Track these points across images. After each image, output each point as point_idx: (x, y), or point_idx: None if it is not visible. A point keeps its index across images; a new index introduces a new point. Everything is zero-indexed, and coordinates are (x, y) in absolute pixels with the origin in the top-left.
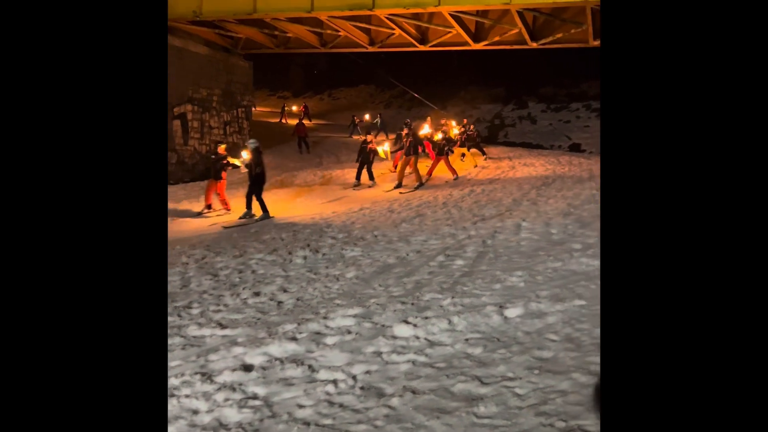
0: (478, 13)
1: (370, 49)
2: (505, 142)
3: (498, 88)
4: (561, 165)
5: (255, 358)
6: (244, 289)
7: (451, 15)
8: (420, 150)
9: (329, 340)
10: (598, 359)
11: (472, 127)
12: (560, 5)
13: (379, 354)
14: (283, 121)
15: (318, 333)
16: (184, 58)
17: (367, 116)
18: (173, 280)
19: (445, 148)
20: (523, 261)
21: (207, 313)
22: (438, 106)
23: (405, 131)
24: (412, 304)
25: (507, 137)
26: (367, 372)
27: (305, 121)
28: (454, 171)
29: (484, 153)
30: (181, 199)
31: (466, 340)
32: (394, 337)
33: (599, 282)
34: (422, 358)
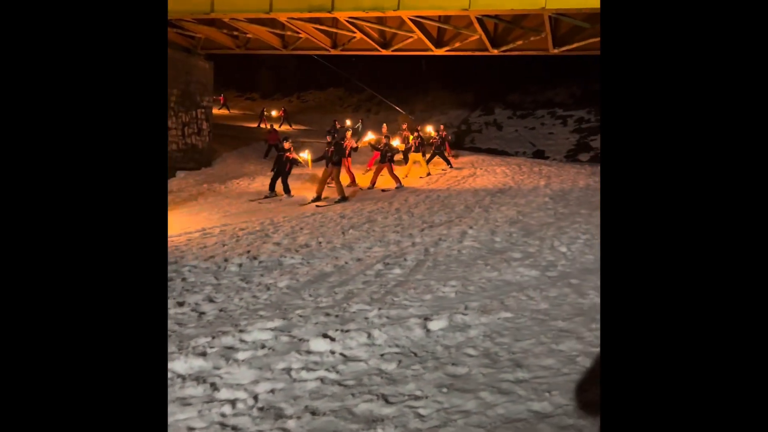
0: (440, 19)
1: (333, 52)
2: (471, 148)
3: (466, 94)
4: (521, 172)
5: None
6: (169, 298)
7: (411, 20)
8: (343, 160)
9: (240, 356)
10: (510, 377)
11: (443, 133)
12: (518, 12)
13: (288, 371)
14: (262, 125)
15: (230, 348)
16: None
17: (348, 121)
18: None
19: (388, 155)
20: (461, 270)
21: None
22: (406, 111)
23: (328, 138)
24: (337, 316)
25: (473, 143)
26: (271, 391)
27: (285, 126)
28: (397, 179)
29: (448, 162)
30: None
31: (383, 355)
32: (309, 352)
33: (529, 293)
34: (332, 375)
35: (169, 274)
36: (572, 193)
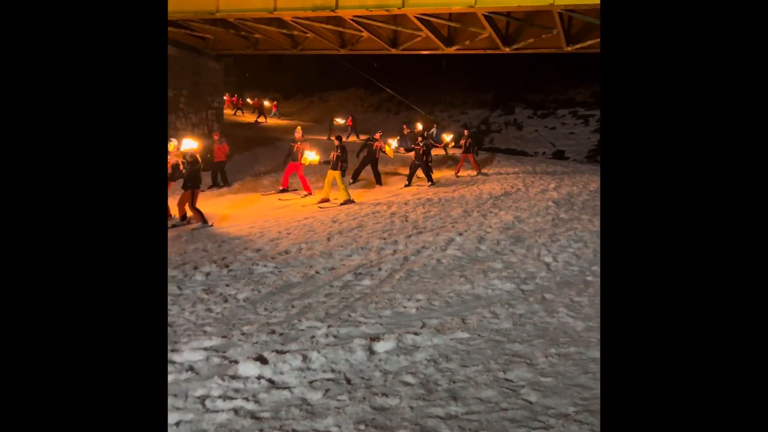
0: (450, 17)
1: (342, 51)
2: (490, 148)
3: (485, 93)
4: (533, 174)
5: None
6: None
7: (418, 18)
8: (340, 165)
9: None
10: (440, 411)
11: (419, 139)
12: (525, 9)
13: (204, 399)
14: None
15: None
16: None
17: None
18: None
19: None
20: (432, 282)
21: None
22: (425, 111)
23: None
24: (281, 334)
25: (492, 143)
26: (177, 423)
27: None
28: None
29: (430, 177)
30: None
31: (312, 382)
32: (234, 377)
33: (495, 310)
34: (250, 406)
35: None
36: (579, 197)
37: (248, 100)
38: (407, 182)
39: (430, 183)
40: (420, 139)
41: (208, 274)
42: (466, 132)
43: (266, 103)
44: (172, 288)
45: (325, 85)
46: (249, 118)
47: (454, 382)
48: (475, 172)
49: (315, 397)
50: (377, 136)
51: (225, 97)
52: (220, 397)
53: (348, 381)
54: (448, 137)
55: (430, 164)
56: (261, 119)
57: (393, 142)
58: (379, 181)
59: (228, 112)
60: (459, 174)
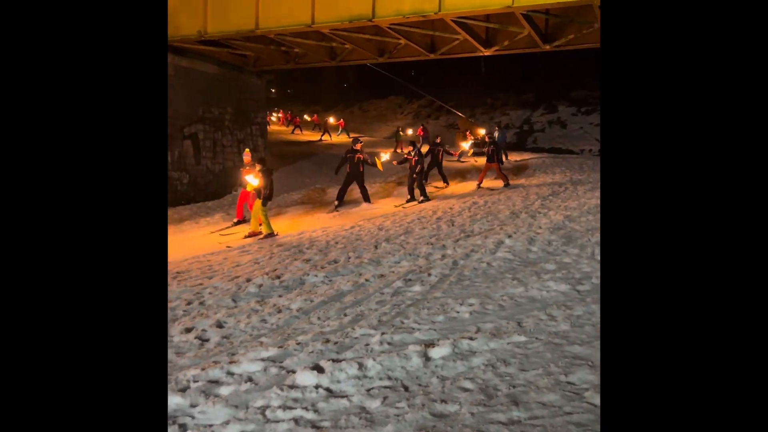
0: (488, 19)
1: (380, 60)
2: (533, 148)
3: (527, 93)
4: (580, 171)
5: None
6: (178, 324)
7: (455, 22)
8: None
9: (223, 391)
10: (502, 417)
11: (409, 148)
12: (564, 5)
13: (264, 409)
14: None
15: (215, 381)
16: (193, 78)
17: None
18: None
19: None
20: (484, 286)
21: None
22: (466, 114)
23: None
24: (336, 342)
25: (536, 143)
26: None
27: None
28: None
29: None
30: (185, 219)
31: (370, 390)
32: (292, 387)
33: (551, 312)
34: (309, 415)
35: (190, 297)
36: None
37: (306, 116)
38: (408, 197)
39: (421, 199)
40: (411, 148)
41: (260, 285)
42: (486, 137)
43: (331, 120)
44: (226, 301)
45: (365, 94)
46: (309, 136)
47: (514, 387)
48: (501, 183)
49: (373, 405)
50: (358, 146)
51: (280, 114)
52: (280, 407)
53: (405, 388)
54: (466, 144)
55: (424, 178)
56: (326, 137)
57: (384, 155)
58: (366, 199)
59: (280, 129)
60: (482, 185)
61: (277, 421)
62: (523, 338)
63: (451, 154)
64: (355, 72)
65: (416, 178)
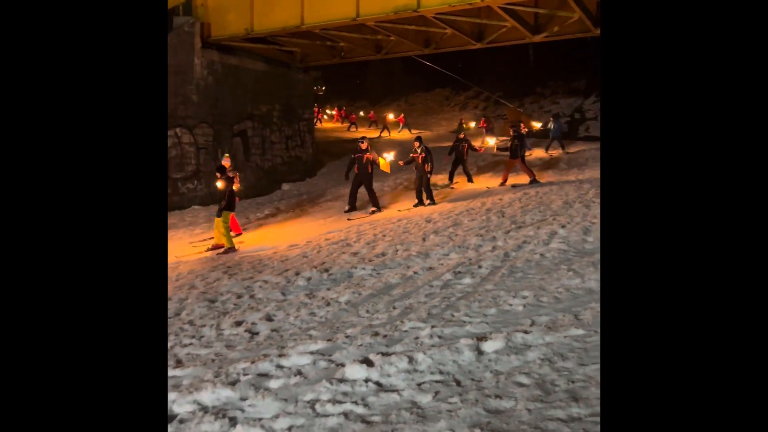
0: (537, 4)
1: (426, 51)
2: (586, 137)
3: (578, 81)
4: None
5: (182, 407)
6: (229, 317)
7: (502, 8)
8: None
9: (272, 384)
10: (561, 413)
11: (416, 144)
12: None
13: (314, 403)
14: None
15: (264, 375)
16: (241, 76)
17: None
18: (168, 308)
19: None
20: (538, 278)
21: (175, 348)
22: (514, 104)
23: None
24: (385, 336)
25: (588, 131)
26: (288, 429)
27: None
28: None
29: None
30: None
31: (421, 384)
32: (342, 381)
33: None
34: (359, 410)
35: (240, 291)
36: None
37: (361, 113)
38: (416, 200)
39: (428, 202)
40: (417, 144)
41: (309, 279)
42: (511, 130)
43: (390, 116)
44: (276, 294)
45: (410, 87)
46: (366, 133)
47: (573, 382)
48: (527, 180)
49: (425, 399)
50: (364, 145)
51: (334, 111)
52: (329, 401)
53: (458, 383)
54: (491, 140)
55: (429, 176)
56: (384, 134)
57: (389, 155)
58: (375, 203)
59: (334, 126)
60: (506, 183)
61: (327, 416)
62: (581, 331)
63: (476, 150)
64: (401, 65)
65: (424, 179)
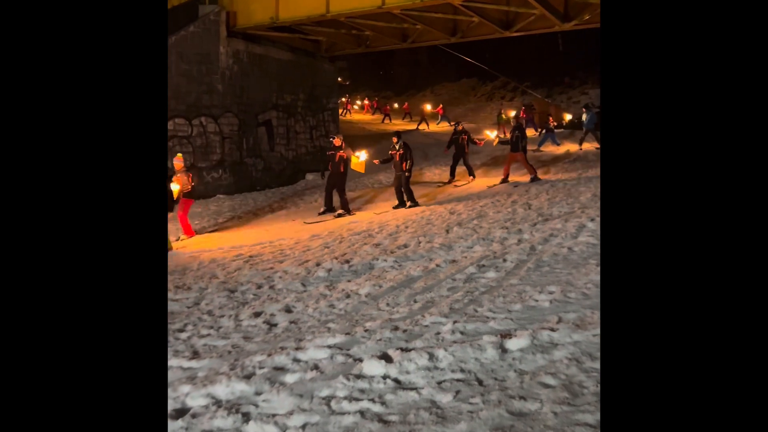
0: None
1: (453, 40)
2: None
3: None
4: None
5: (196, 400)
6: (248, 308)
7: None
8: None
9: (288, 378)
10: (590, 418)
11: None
12: None
13: (330, 400)
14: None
15: (280, 368)
16: (266, 65)
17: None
18: (187, 297)
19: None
20: (566, 272)
21: (193, 338)
22: (542, 95)
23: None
24: (405, 330)
25: None
26: (303, 426)
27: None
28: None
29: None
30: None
31: (441, 382)
32: (359, 377)
33: None
34: (376, 408)
35: (260, 281)
36: None
37: (395, 105)
38: (397, 202)
39: (409, 204)
40: (395, 140)
41: (329, 270)
42: (513, 120)
43: (428, 107)
44: (296, 285)
45: (436, 78)
46: (402, 125)
47: None
48: (528, 177)
49: (445, 399)
50: (338, 141)
51: (365, 102)
52: (345, 398)
53: (480, 382)
54: (492, 133)
55: (408, 175)
56: (422, 126)
57: (362, 153)
58: (345, 206)
59: (364, 118)
60: (509, 180)
61: (343, 413)
62: None
63: (476, 143)
64: (426, 55)
65: (403, 178)
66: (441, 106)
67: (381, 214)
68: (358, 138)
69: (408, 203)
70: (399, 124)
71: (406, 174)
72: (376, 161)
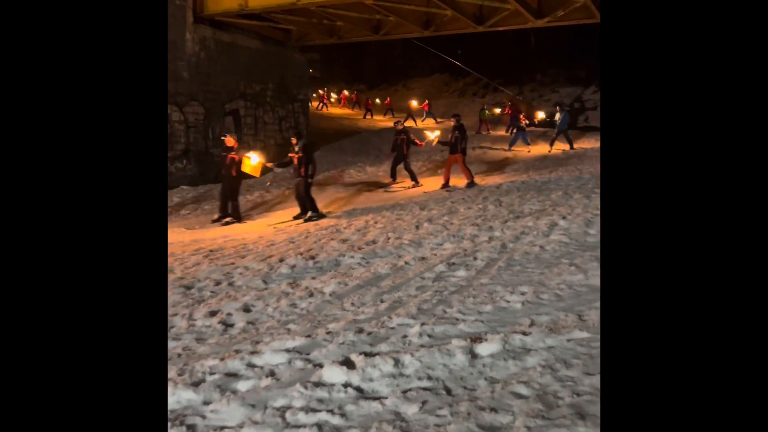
0: None
1: (425, 33)
2: (585, 127)
3: (578, 70)
4: None
5: None
6: (204, 306)
7: None
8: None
9: (241, 386)
10: None
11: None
12: None
13: (285, 411)
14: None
15: (233, 375)
16: (235, 53)
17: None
18: None
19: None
20: (538, 272)
21: None
22: (513, 92)
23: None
24: (370, 333)
25: (588, 121)
26: None
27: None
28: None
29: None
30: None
31: (406, 391)
32: (318, 385)
33: None
34: (335, 420)
35: (219, 277)
36: None
37: (377, 100)
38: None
39: (310, 214)
40: (294, 141)
41: (293, 266)
42: (454, 120)
43: (413, 103)
44: (257, 282)
45: (408, 72)
46: (383, 122)
47: (578, 395)
48: (465, 182)
49: (410, 410)
50: (229, 142)
51: (342, 95)
52: (302, 408)
53: (448, 391)
54: (432, 133)
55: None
56: (409, 123)
57: (254, 155)
58: (236, 213)
59: (344, 112)
60: (450, 184)
61: (298, 426)
62: (585, 334)
63: (417, 144)
64: (400, 49)
65: (303, 185)
66: (426, 101)
67: (277, 225)
68: (331, 135)
69: (308, 213)
70: (382, 120)
71: (308, 180)
72: (269, 164)
